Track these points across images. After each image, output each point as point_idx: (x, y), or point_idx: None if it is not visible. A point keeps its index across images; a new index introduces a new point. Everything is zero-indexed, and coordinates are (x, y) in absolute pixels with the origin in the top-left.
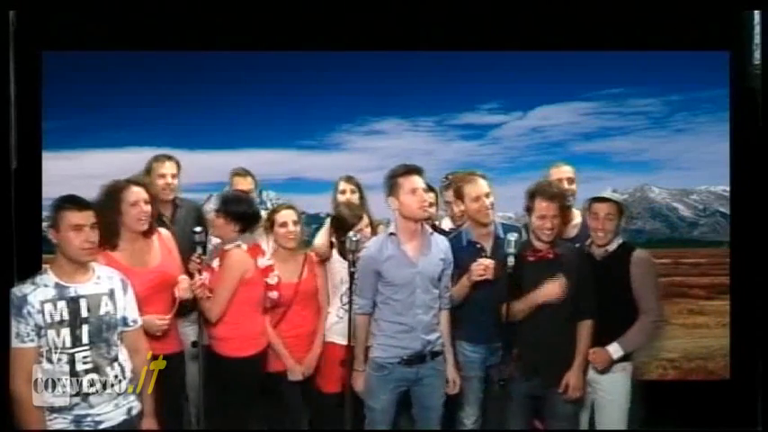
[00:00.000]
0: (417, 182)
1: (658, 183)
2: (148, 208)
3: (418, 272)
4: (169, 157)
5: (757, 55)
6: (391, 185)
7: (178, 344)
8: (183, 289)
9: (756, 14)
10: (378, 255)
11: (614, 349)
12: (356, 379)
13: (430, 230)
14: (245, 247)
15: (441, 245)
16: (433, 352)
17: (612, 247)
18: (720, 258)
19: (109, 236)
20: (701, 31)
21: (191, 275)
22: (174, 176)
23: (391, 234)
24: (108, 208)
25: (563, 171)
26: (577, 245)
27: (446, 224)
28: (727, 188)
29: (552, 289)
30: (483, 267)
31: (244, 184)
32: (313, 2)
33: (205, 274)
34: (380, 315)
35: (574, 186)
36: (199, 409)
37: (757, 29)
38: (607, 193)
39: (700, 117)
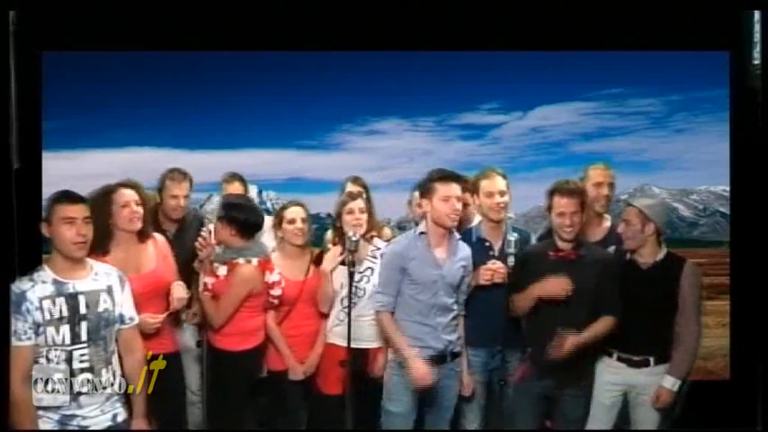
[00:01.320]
0: (453, 190)
1: (658, 183)
2: (140, 209)
3: (442, 275)
4: (184, 176)
5: (757, 55)
6: (427, 188)
7: (173, 344)
8: (177, 299)
9: (756, 14)
10: (405, 252)
11: (671, 383)
12: (417, 367)
13: (458, 236)
14: (255, 262)
15: (464, 252)
16: (453, 353)
17: (659, 256)
18: (720, 258)
19: (100, 240)
20: (701, 31)
21: (191, 276)
22: (186, 197)
23: (421, 233)
24: (98, 211)
25: (606, 175)
26: (611, 248)
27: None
28: (727, 188)
29: (552, 285)
30: (490, 273)
31: (231, 189)
32: (313, 2)
33: (210, 279)
34: (402, 316)
35: (612, 192)
36: (203, 408)
37: (757, 28)
38: (634, 198)
39: (700, 117)
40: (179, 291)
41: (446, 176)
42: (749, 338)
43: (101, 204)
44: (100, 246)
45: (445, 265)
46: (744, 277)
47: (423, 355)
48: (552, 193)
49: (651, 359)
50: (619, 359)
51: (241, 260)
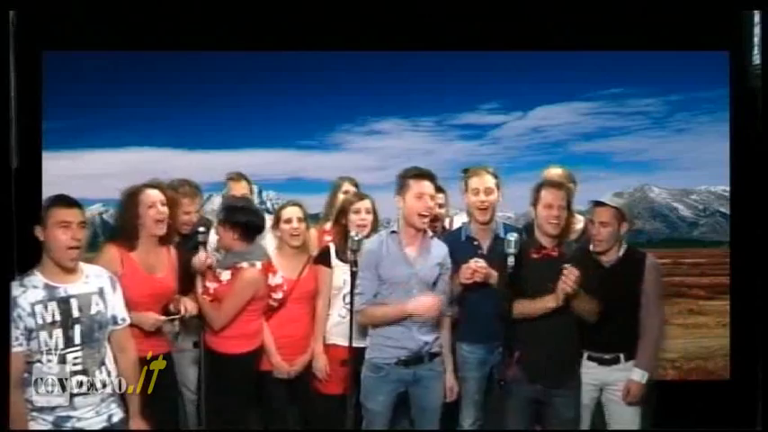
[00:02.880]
0: (426, 187)
1: (658, 183)
2: (165, 209)
3: (415, 273)
4: (197, 190)
5: (757, 55)
6: (401, 185)
7: (166, 344)
8: (191, 308)
9: (756, 14)
10: (378, 250)
11: (639, 375)
12: (419, 305)
13: (430, 234)
14: (259, 265)
15: (439, 250)
16: (430, 353)
17: (620, 252)
18: (720, 258)
19: (128, 238)
20: (701, 31)
21: (192, 279)
22: (197, 211)
23: (393, 232)
24: (127, 211)
25: (561, 175)
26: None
27: (462, 219)
28: (727, 188)
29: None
30: (471, 271)
31: (238, 188)
32: (313, 2)
33: (212, 284)
34: None
35: (572, 189)
36: (200, 409)
37: (757, 29)
38: (607, 198)
39: (700, 117)
40: (190, 305)
41: (420, 174)
42: (749, 338)
43: (128, 205)
44: (128, 242)
45: (417, 263)
46: (744, 277)
47: (396, 355)
48: (540, 187)
49: (621, 356)
50: (590, 358)
51: (245, 264)
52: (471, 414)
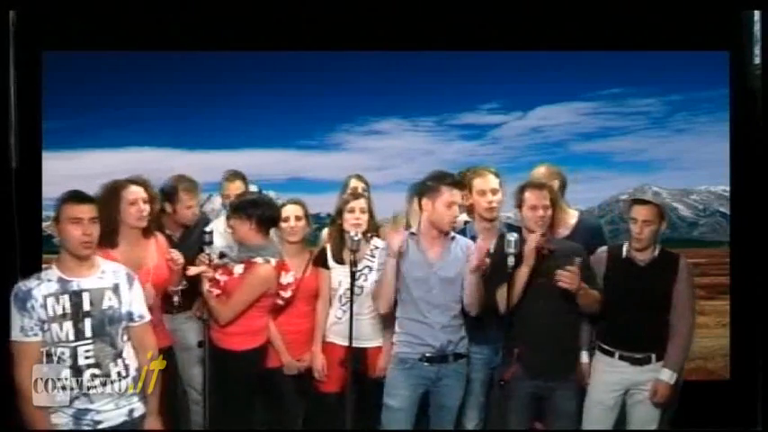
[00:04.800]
0: (458, 197)
1: (658, 183)
2: (147, 207)
3: (434, 272)
4: (196, 185)
5: (757, 55)
6: (431, 188)
7: (166, 338)
8: (176, 256)
9: (756, 14)
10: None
11: (668, 376)
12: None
13: (452, 234)
14: (273, 262)
15: (461, 248)
16: (455, 353)
17: (656, 252)
18: (720, 258)
19: (108, 234)
20: (701, 31)
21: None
22: (199, 205)
23: (412, 234)
24: (107, 207)
25: (544, 173)
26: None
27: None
28: (727, 188)
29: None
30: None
31: (232, 188)
32: (313, 2)
33: (223, 277)
34: (402, 313)
35: (560, 186)
36: (205, 407)
37: (757, 28)
38: (648, 196)
39: (700, 117)
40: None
41: (455, 182)
42: (749, 338)
43: (109, 200)
44: (108, 240)
45: (437, 263)
46: (744, 277)
47: (421, 352)
48: (523, 188)
49: (653, 356)
50: (621, 358)
51: (259, 259)
52: (475, 415)
